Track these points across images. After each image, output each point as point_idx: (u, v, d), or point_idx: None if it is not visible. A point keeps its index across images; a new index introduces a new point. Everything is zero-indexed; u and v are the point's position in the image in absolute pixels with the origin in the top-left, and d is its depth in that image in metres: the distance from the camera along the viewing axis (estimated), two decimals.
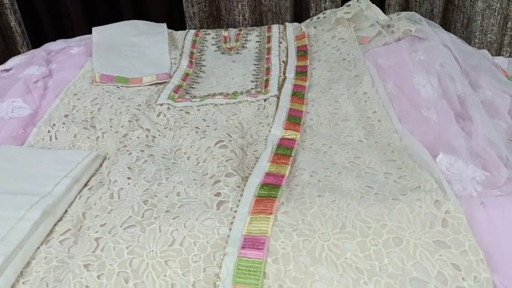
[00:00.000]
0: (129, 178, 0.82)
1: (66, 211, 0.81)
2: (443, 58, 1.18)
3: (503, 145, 0.85)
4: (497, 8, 1.63)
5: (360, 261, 0.59)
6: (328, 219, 0.65)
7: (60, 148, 1.00)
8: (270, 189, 0.72)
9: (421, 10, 1.88)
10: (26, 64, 1.34)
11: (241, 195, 0.72)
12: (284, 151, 0.86)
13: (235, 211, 0.69)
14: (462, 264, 0.59)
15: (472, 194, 0.70)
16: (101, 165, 0.93)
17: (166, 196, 0.76)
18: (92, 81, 1.25)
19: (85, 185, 0.87)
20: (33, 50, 1.53)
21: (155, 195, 0.77)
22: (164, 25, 1.58)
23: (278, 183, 0.74)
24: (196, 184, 0.79)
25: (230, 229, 0.66)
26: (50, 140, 1.03)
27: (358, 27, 1.45)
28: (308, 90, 1.15)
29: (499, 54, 1.70)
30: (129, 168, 0.85)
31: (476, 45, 1.64)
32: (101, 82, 1.24)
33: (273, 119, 0.99)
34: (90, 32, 1.49)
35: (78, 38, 1.58)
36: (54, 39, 1.81)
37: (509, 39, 1.79)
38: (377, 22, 1.42)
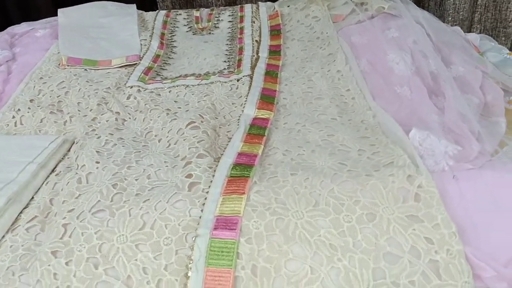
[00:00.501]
0: (97, 162, 0.79)
1: (33, 198, 0.78)
2: (416, 35, 1.17)
3: (475, 120, 0.85)
4: None
5: (333, 238, 0.59)
6: (301, 197, 0.64)
7: (26, 133, 0.97)
8: (243, 169, 0.71)
9: None
10: None
11: (213, 176, 0.71)
12: (257, 130, 0.84)
13: (207, 192, 0.67)
14: (434, 237, 0.59)
15: (444, 168, 0.70)
16: (69, 150, 0.90)
17: (136, 179, 0.74)
18: (59, 64, 1.20)
19: (53, 171, 0.84)
20: None
21: (125, 179, 0.74)
22: (134, 6, 1.53)
23: (250, 163, 0.73)
24: (167, 166, 0.77)
25: (202, 211, 0.64)
26: (15, 125, 0.99)
27: (331, 5, 1.43)
28: (282, 69, 1.13)
29: (470, 31, 1.72)
30: (97, 152, 0.83)
31: (449, 23, 1.65)
32: (68, 65, 1.19)
33: (246, 99, 0.98)
34: (57, 14, 1.43)
35: (43, 20, 1.52)
36: (19, 22, 1.75)
37: (479, 16, 1.80)
38: (351, 0, 1.41)
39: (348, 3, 1.41)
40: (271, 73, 1.09)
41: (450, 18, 1.70)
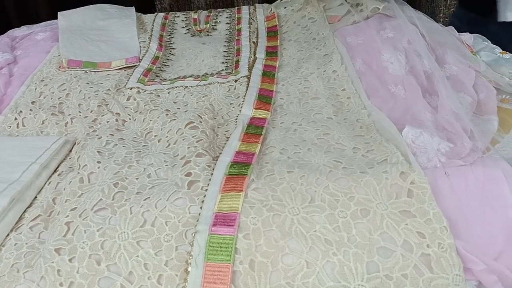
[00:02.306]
0: (99, 162, 0.81)
1: (36, 197, 0.80)
2: (410, 35, 1.19)
3: (468, 118, 0.87)
4: None
5: (329, 233, 0.61)
6: (297, 194, 0.66)
7: (28, 135, 0.99)
8: (241, 167, 0.73)
9: None
10: None
11: (212, 174, 0.72)
12: (254, 130, 0.86)
13: (206, 190, 0.69)
14: (426, 231, 0.60)
15: (436, 165, 0.72)
16: (70, 151, 0.92)
17: (136, 178, 0.76)
18: (59, 67, 1.22)
19: (55, 171, 0.86)
20: None
21: (126, 178, 0.76)
22: (133, 8, 1.55)
23: (248, 161, 0.75)
24: (167, 165, 0.79)
25: (201, 208, 0.66)
26: (17, 127, 1.01)
27: (327, 7, 1.46)
28: (279, 70, 1.15)
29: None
30: (98, 152, 0.84)
31: (441, 19, 1.68)
32: (68, 68, 1.21)
33: (244, 99, 1.00)
34: (56, 17, 1.45)
35: (43, 23, 1.54)
36: (18, 25, 1.76)
37: None
38: (346, 1, 1.43)
39: (344, 4, 1.43)
40: (268, 74, 1.11)
41: (441, 14, 1.72)
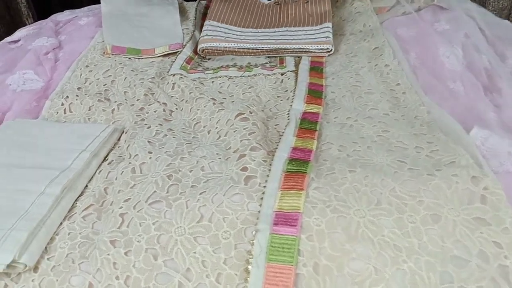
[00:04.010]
0: (150, 152, 0.79)
1: (87, 186, 0.79)
2: (467, 28, 1.14)
3: None
4: None
5: (398, 238, 0.58)
6: (362, 195, 0.63)
7: (75, 121, 0.98)
8: (299, 164, 0.70)
9: None
10: (35, 36, 1.30)
11: (269, 170, 0.70)
12: (308, 125, 0.83)
13: (264, 187, 0.67)
14: (503, 241, 0.57)
15: (509, 169, 0.68)
16: (119, 139, 0.90)
17: (190, 171, 0.74)
18: (103, 53, 1.21)
19: (104, 159, 0.85)
20: (40, 21, 1.48)
21: (179, 170, 0.74)
22: None
23: (306, 158, 0.72)
24: (220, 158, 0.77)
25: (260, 205, 0.64)
26: (64, 113, 1.00)
27: None
28: (326, 65, 1.11)
29: (508, 20, 1.69)
30: (149, 142, 0.83)
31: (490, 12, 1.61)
32: (112, 54, 1.20)
33: (293, 93, 0.96)
34: (98, 3, 1.44)
35: (86, 8, 1.53)
36: (60, 10, 1.76)
37: None
38: None
39: None
40: (316, 69, 1.08)
41: (490, 8, 1.66)
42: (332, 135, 0.80)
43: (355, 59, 1.10)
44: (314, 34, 1.21)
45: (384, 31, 1.20)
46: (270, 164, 0.71)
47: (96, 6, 1.53)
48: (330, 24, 1.24)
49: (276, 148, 0.76)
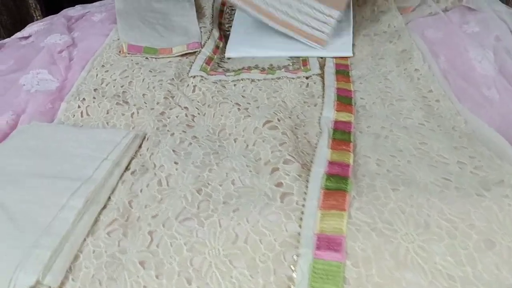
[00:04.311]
0: (176, 163, 0.75)
1: (109, 198, 0.75)
2: (499, 31, 1.09)
3: None
4: None
5: (451, 266, 0.54)
6: (408, 217, 0.59)
7: (93, 125, 0.94)
8: (338, 181, 0.66)
9: None
10: (47, 32, 1.26)
11: (306, 186, 0.66)
12: (342, 135, 0.79)
13: (303, 205, 0.63)
14: None
15: None
16: (140, 146, 0.86)
17: (220, 185, 0.70)
18: (119, 51, 1.17)
19: (126, 168, 0.81)
20: (51, 16, 1.43)
21: (208, 183, 0.71)
22: None
23: (344, 174, 0.68)
24: (250, 171, 0.73)
25: (299, 226, 0.60)
26: (81, 116, 0.96)
27: None
28: (352, 68, 1.07)
29: None
30: (174, 151, 0.79)
31: None
32: (128, 53, 1.15)
33: (323, 100, 0.92)
34: None
35: (97, 3, 1.49)
36: (68, 2, 1.71)
37: None
38: None
39: None
40: (342, 72, 1.03)
41: None
42: (367, 146, 0.76)
43: (382, 62, 1.06)
44: (316, 15, 1.13)
45: (411, 32, 1.15)
46: (307, 180, 0.67)
47: (108, 1, 1.48)
48: (337, 14, 1.11)
49: (311, 161, 0.72)
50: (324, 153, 0.73)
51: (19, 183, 0.75)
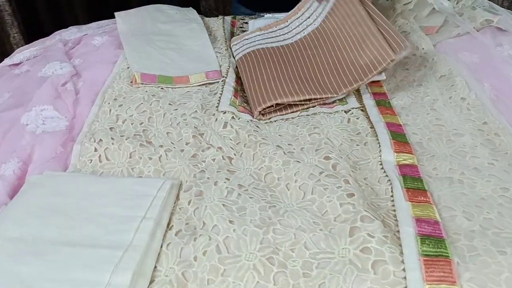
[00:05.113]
0: (231, 222, 0.65)
1: (155, 267, 0.64)
2: None
3: None
4: None
5: None
6: None
7: (116, 172, 0.82)
8: (435, 244, 0.58)
9: None
10: (44, 60, 1.12)
11: (400, 251, 0.57)
12: (413, 183, 0.70)
13: (404, 278, 0.54)
14: None
15: None
16: (177, 197, 0.75)
17: (292, 250, 0.60)
18: (131, 82, 1.05)
19: (168, 227, 0.70)
20: (42, 40, 1.30)
21: (278, 249, 0.61)
22: (193, 10, 1.38)
23: (438, 235, 0.59)
24: (321, 229, 0.63)
25: None
26: (100, 161, 0.84)
27: (418, 17, 1.29)
28: (390, 96, 0.99)
29: None
30: (223, 205, 0.69)
31: None
32: (141, 84, 1.04)
33: (372, 137, 0.83)
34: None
35: (94, 24, 1.36)
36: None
37: None
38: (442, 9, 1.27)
39: (438, 13, 1.27)
40: (383, 103, 0.95)
41: None
42: (445, 195, 0.68)
43: (422, 89, 0.99)
44: None
45: (445, 56, 1.09)
46: (400, 245, 0.58)
47: (107, 22, 1.36)
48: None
49: (395, 219, 0.63)
50: (405, 208, 0.65)
51: (43, 255, 0.63)
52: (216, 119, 0.92)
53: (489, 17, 1.15)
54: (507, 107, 0.91)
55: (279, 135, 0.88)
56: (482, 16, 1.16)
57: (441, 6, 1.27)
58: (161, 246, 0.66)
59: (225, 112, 0.93)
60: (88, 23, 1.37)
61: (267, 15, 1.37)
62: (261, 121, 0.93)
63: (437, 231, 0.60)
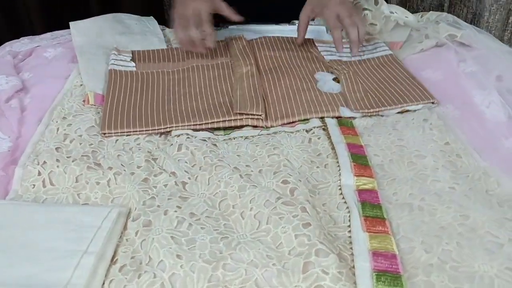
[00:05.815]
0: (179, 257, 0.61)
1: None
2: (499, 69, 1.03)
3: None
4: (503, 4, 1.58)
5: None
6: None
7: (60, 199, 0.76)
8: (391, 281, 0.55)
9: (423, 5, 1.77)
10: None
11: None
12: (372, 211, 0.67)
13: None
14: None
15: None
16: (125, 226, 0.70)
17: None
18: (83, 101, 0.99)
19: (113, 261, 0.65)
20: None
21: (226, 287, 0.57)
22: (154, 21, 1.33)
23: (395, 271, 0.56)
24: (274, 264, 0.59)
25: None
26: (44, 186, 0.78)
27: (382, 31, 1.27)
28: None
29: None
30: (172, 237, 0.64)
31: None
32: (94, 105, 0.98)
33: (332, 159, 0.81)
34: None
35: (49, 34, 1.29)
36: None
37: (509, 35, 1.75)
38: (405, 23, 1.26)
39: (402, 27, 1.26)
40: (345, 122, 0.92)
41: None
42: (404, 224, 0.65)
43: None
44: None
45: None
46: (354, 282, 0.55)
47: (61, 32, 1.30)
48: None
49: (351, 252, 0.60)
50: (362, 240, 0.61)
51: None
52: (172, 144, 0.87)
53: (452, 32, 1.14)
54: (467, 126, 0.90)
55: (238, 155, 0.84)
56: (446, 31, 1.15)
57: (406, 19, 1.26)
58: (103, 283, 0.61)
59: (179, 135, 0.89)
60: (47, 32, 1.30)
61: (231, 27, 1.34)
62: (219, 138, 0.89)
63: (393, 266, 0.57)
